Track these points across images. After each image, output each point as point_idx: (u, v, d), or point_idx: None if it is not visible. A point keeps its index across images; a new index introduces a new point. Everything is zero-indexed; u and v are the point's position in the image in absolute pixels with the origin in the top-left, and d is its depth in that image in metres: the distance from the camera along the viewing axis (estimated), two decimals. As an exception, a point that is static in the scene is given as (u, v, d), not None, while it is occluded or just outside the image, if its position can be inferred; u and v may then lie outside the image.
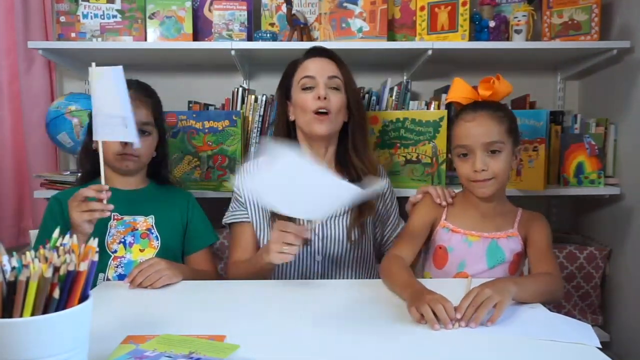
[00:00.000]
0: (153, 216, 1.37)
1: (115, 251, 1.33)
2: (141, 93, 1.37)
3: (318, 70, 1.37)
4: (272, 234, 1.15)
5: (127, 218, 1.35)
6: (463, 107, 1.29)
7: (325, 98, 1.33)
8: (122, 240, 1.34)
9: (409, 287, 1.04)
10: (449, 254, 1.28)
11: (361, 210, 1.37)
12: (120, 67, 1.10)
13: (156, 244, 1.35)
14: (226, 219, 1.43)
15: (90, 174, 1.40)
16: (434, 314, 0.91)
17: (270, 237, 1.31)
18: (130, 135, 1.12)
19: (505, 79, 1.28)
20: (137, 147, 1.32)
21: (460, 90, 1.30)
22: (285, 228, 1.12)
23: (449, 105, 1.79)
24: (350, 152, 1.41)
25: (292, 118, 1.42)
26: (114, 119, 1.11)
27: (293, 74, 1.40)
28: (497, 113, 1.23)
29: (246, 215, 1.40)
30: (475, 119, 1.23)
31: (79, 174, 1.46)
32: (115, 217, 1.35)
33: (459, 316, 0.90)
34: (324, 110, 1.33)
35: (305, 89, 1.36)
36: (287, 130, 1.43)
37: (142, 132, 1.34)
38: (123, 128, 1.11)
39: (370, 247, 1.44)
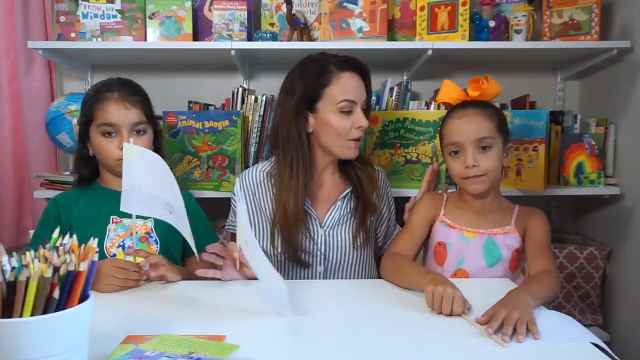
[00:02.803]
0: (152, 219, 1.37)
1: (114, 255, 1.31)
2: (127, 93, 1.34)
3: (358, 93, 1.30)
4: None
5: (126, 221, 1.34)
6: (453, 107, 1.30)
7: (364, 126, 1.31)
8: (121, 243, 1.33)
9: (429, 274, 1.10)
10: (448, 250, 1.29)
11: (364, 213, 1.36)
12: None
13: (155, 247, 1.34)
14: (226, 227, 1.45)
15: (88, 179, 1.40)
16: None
17: (268, 245, 1.35)
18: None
19: (494, 80, 1.28)
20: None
21: (449, 91, 1.32)
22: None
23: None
24: (353, 161, 1.38)
25: (310, 130, 1.32)
26: (146, 196, 1.08)
27: (325, 86, 1.28)
28: (487, 110, 1.25)
29: None
30: (464, 116, 1.24)
31: (77, 177, 1.44)
32: (114, 220, 1.34)
33: (490, 331, 0.88)
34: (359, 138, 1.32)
35: (344, 112, 1.28)
36: (303, 141, 1.32)
37: (137, 131, 1.34)
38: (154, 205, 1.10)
39: (371, 250, 1.44)
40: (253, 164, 1.83)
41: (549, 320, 0.95)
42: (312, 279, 1.36)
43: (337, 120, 1.28)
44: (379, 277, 1.40)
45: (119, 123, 1.31)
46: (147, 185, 1.02)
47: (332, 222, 1.36)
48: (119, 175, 1.35)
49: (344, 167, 1.40)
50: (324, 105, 1.29)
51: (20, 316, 0.61)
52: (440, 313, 0.98)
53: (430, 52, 1.78)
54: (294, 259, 1.33)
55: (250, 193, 1.39)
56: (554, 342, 0.86)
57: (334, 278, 1.37)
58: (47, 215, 1.36)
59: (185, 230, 1.10)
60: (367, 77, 1.34)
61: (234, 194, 1.43)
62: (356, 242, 1.36)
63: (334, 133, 1.29)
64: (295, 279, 1.36)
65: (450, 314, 0.97)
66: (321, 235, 1.35)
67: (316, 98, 1.29)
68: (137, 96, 1.36)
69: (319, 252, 1.35)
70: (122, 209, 1.09)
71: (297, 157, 1.31)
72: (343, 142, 1.30)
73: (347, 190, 1.38)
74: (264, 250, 1.38)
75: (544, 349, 0.84)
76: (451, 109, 1.30)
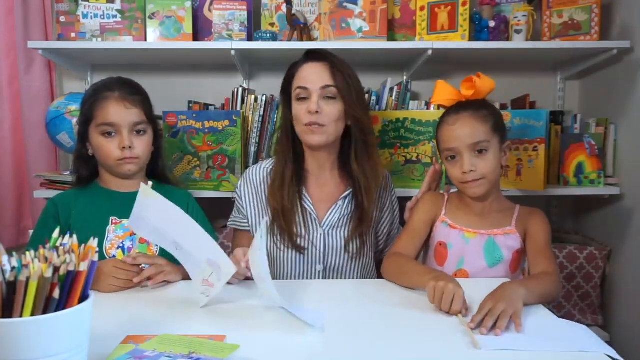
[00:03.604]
0: None
1: (114, 256, 1.30)
2: (127, 92, 1.33)
3: (312, 79, 1.31)
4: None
5: (125, 222, 1.33)
6: (446, 110, 1.29)
7: (317, 112, 1.28)
8: (121, 245, 1.32)
9: (432, 272, 1.10)
10: (449, 250, 1.28)
11: (359, 222, 1.35)
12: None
13: (155, 248, 1.33)
14: (229, 223, 1.47)
15: (87, 179, 1.39)
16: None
17: (270, 246, 1.37)
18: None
19: (493, 78, 1.28)
20: (138, 152, 1.32)
21: (443, 92, 1.31)
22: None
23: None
24: (352, 160, 1.36)
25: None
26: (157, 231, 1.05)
27: (292, 80, 1.36)
28: (480, 112, 1.23)
29: (245, 223, 1.43)
30: (458, 121, 1.23)
31: (76, 177, 1.42)
32: (114, 220, 1.34)
33: (472, 326, 0.90)
34: (317, 124, 1.30)
35: (299, 99, 1.33)
36: (291, 136, 1.39)
37: (137, 132, 1.33)
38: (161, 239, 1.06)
39: (371, 257, 1.43)
40: (253, 164, 1.84)
41: (564, 329, 0.94)
42: (311, 276, 1.36)
43: (295, 107, 1.34)
44: (381, 275, 1.40)
45: (119, 123, 1.30)
46: (156, 222, 1.02)
47: (331, 222, 1.36)
48: (118, 175, 1.36)
49: (348, 167, 1.39)
50: (292, 98, 1.36)
51: (20, 316, 0.61)
52: (441, 310, 0.98)
53: (430, 52, 1.78)
54: (290, 246, 1.34)
55: (253, 190, 1.42)
56: (566, 350, 0.84)
57: (332, 278, 1.37)
58: (45, 216, 1.35)
59: (190, 268, 1.07)
60: (332, 64, 1.32)
61: (237, 188, 1.46)
62: (349, 248, 1.35)
63: (295, 120, 1.34)
64: (295, 275, 1.37)
65: (449, 312, 0.97)
66: (320, 234, 1.35)
67: (290, 91, 1.37)
68: (138, 96, 1.35)
69: (317, 252, 1.35)
70: (132, 227, 1.08)
71: (281, 148, 1.39)
72: (302, 127, 1.32)
73: (347, 191, 1.38)
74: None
75: (555, 358, 0.82)
76: (445, 112, 1.29)
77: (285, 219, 1.33)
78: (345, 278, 1.37)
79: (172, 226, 1.01)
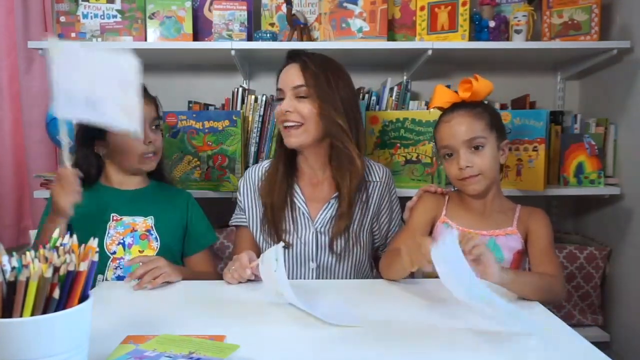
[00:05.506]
0: (152, 217, 1.37)
1: (114, 252, 1.32)
2: (144, 92, 1.37)
3: (285, 80, 1.33)
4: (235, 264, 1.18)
5: (126, 219, 1.34)
6: (443, 111, 1.31)
7: (288, 111, 1.30)
8: (121, 241, 1.33)
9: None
10: None
11: (338, 222, 1.34)
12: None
13: (155, 245, 1.34)
14: (231, 222, 1.48)
15: (94, 178, 1.38)
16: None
17: (261, 242, 1.39)
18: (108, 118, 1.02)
19: (492, 79, 1.28)
20: (139, 137, 1.32)
21: (442, 96, 1.33)
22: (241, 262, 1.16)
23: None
24: (335, 161, 1.34)
25: None
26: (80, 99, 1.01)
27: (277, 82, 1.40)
28: (475, 110, 1.25)
29: (244, 219, 1.43)
30: (453, 118, 1.25)
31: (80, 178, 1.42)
32: (115, 217, 1.34)
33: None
34: (291, 124, 1.30)
35: (277, 100, 1.35)
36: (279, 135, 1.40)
37: (155, 127, 1.37)
38: (91, 109, 1.01)
39: (365, 258, 1.41)
40: (253, 164, 1.84)
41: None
42: (305, 273, 1.37)
43: (275, 108, 1.37)
44: (380, 274, 1.40)
45: (144, 117, 1.31)
46: (81, 83, 0.95)
47: (323, 221, 1.36)
48: (135, 172, 1.37)
49: (338, 170, 1.36)
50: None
51: (20, 316, 0.61)
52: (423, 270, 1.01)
53: (430, 52, 1.78)
54: (276, 240, 1.35)
55: (251, 188, 1.43)
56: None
57: (325, 277, 1.37)
58: (48, 212, 1.35)
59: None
60: (304, 64, 1.32)
61: (238, 187, 1.47)
62: (333, 247, 1.35)
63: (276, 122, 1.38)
64: (289, 271, 1.37)
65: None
66: (312, 233, 1.35)
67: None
68: (147, 93, 1.38)
69: (310, 250, 1.35)
70: (56, 112, 1.04)
71: (277, 146, 1.43)
72: (281, 129, 1.35)
73: (336, 193, 1.37)
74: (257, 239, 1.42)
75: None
76: (442, 113, 1.31)
77: (273, 214, 1.35)
78: (336, 277, 1.37)
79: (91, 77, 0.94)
